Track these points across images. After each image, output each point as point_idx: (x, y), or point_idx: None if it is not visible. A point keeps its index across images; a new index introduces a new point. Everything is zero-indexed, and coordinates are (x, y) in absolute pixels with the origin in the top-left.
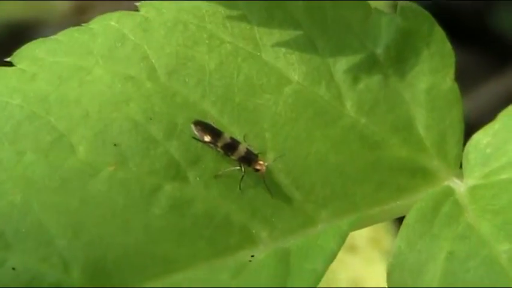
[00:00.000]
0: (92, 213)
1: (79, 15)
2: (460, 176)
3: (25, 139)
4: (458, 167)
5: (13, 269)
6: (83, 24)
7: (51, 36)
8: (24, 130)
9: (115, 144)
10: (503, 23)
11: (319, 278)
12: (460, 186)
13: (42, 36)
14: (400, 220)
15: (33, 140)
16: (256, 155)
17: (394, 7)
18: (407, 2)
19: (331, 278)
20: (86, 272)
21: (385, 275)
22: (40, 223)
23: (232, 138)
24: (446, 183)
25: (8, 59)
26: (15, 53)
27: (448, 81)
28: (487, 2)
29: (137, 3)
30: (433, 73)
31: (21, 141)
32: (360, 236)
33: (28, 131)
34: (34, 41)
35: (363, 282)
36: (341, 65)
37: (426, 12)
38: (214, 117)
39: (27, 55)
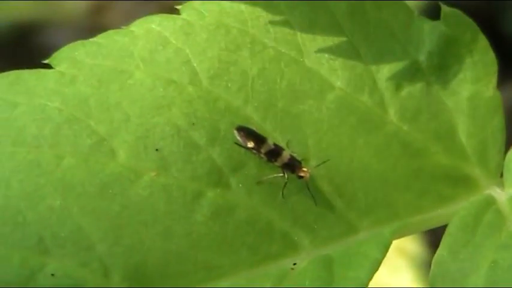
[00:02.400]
0: (133, 219)
1: (94, 16)
2: (501, 185)
3: (64, 143)
4: (499, 176)
5: (52, 275)
6: (123, 27)
7: (91, 39)
8: (64, 134)
9: (157, 149)
10: (510, 24)
11: (364, 286)
12: (501, 195)
13: (53, 38)
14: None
15: (72, 144)
16: (299, 162)
17: (424, 9)
18: (451, 8)
19: None
20: (127, 278)
21: (410, 284)
22: (80, 228)
23: (275, 145)
24: (487, 192)
25: (46, 61)
26: (53, 55)
27: (490, 89)
28: (492, 2)
29: (178, 7)
30: (475, 81)
31: (60, 145)
32: None
33: (67, 134)
34: (73, 43)
35: None
36: (384, 71)
37: (470, 20)
38: (257, 123)
39: (66, 57)
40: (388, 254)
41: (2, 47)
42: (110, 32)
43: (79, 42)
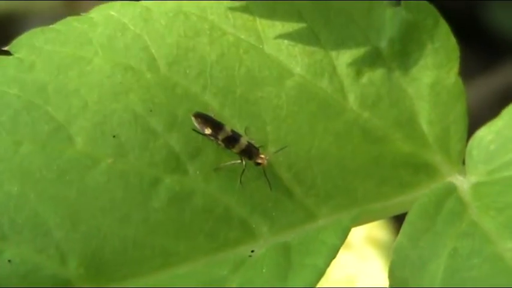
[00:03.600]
0: (90, 205)
1: (68, 8)
2: (463, 172)
3: (22, 129)
4: (461, 163)
5: (9, 261)
6: (82, 14)
7: (50, 26)
8: (22, 120)
9: (114, 136)
10: (497, 18)
11: (321, 274)
12: (463, 183)
13: (30, 29)
14: (394, 217)
15: (30, 130)
16: (257, 149)
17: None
18: None
19: (325, 275)
20: (83, 264)
21: (379, 272)
22: (37, 214)
23: (233, 131)
24: (449, 179)
25: (6, 48)
26: (13, 42)
27: (452, 76)
28: None
29: None
30: (437, 68)
31: (18, 131)
32: (354, 232)
33: (26, 121)
34: (32, 30)
35: (357, 279)
36: (344, 58)
37: (431, 6)
38: (215, 109)
39: (26, 44)
40: (357, 243)
41: None
42: (69, 18)
43: (38, 29)
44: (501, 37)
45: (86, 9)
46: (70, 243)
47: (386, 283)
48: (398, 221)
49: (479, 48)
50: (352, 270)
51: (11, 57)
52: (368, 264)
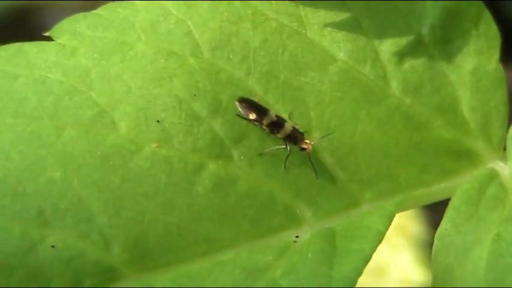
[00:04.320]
0: (134, 191)
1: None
2: (504, 158)
3: (65, 114)
4: (503, 149)
5: (52, 246)
6: None
7: (92, 11)
8: (64, 105)
9: (158, 121)
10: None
11: (367, 259)
12: (504, 169)
13: (50, 20)
14: (425, 208)
15: (73, 116)
16: (302, 134)
17: None
18: None
19: None
20: (127, 250)
21: (410, 263)
22: (80, 200)
23: (277, 116)
24: (490, 165)
25: (47, 34)
26: (54, 28)
27: (493, 62)
28: None
29: None
30: (478, 54)
31: (61, 117)
32: None
33: (68, 106)
34: (74, 15)
35: (388, 269)
36: (386, 44)
37: None
38: (259, 94)
39: (67, 29)
40: (389, 233)
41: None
42: (111, 4)
43: (80, 14)
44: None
45: (104, 1)
46: (114, 229)
47: (417, 273)
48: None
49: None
50: (383, 260)
51: (52, 42)
52: (399, 255)
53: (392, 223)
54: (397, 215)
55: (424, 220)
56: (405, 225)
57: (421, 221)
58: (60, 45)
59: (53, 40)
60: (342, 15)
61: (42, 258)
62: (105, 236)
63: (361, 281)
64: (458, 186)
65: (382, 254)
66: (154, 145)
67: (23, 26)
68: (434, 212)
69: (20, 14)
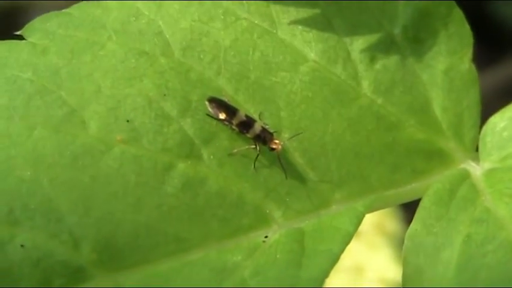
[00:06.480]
0: (103, 190)
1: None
2: (476, 159)
3: (36, 114)
4: (475, 150)
5: (21, 246)
6: None
7: (64, 10)
8: (35, 105)
9: (128, 121)
10: (501, 11)
11: (335, 260)
12: (476, 170)
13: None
14: (403, 206)
15: (44, 115)
16: (271, 134)
17: None
18: None
19: None
20: (96, 250)
21: (388, 261)
22: (50, 199)
23: (247, 116)
24: (462, 166)
25: (18, 32)
26: (25, 27)
27: (466, 62)
28: None
29: None
30: (450, 54)
31: (31, 116)
32: (364, 221)
33: (39, 105)
34: (45, 14)
35: (366, 267)
36: (358, 44)
37: None
38: (229, 94)
39: (39, 28)
40: (367, 231)
41: None
42: (83, 3)
43: (52, 13)
44: (506, 31)
45: None
46: (83, 228)
47: (395, 272)
48: (406, 210)
49: (484, 42)
50: (360, 259)
51: (23, 41)
52: (377, 253)
53: (370, 221)
54: (375, 213)
55: (402, 218)
56: (383, 223)
57: (399, 219)
58: (31, 44)
59: (24, 39)
60: (313, 13)
61: (11, 257)
62: (75, 236)
63: (339, 279)
64: (429, 187)
65: (360, 252)
66: (123, 144)
67: (8, 26)
68: (413, 210)
69: (5, 14)
